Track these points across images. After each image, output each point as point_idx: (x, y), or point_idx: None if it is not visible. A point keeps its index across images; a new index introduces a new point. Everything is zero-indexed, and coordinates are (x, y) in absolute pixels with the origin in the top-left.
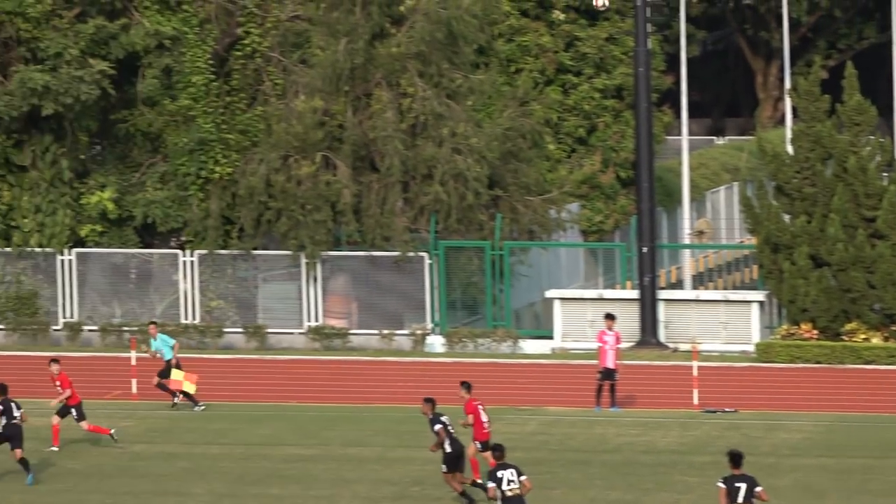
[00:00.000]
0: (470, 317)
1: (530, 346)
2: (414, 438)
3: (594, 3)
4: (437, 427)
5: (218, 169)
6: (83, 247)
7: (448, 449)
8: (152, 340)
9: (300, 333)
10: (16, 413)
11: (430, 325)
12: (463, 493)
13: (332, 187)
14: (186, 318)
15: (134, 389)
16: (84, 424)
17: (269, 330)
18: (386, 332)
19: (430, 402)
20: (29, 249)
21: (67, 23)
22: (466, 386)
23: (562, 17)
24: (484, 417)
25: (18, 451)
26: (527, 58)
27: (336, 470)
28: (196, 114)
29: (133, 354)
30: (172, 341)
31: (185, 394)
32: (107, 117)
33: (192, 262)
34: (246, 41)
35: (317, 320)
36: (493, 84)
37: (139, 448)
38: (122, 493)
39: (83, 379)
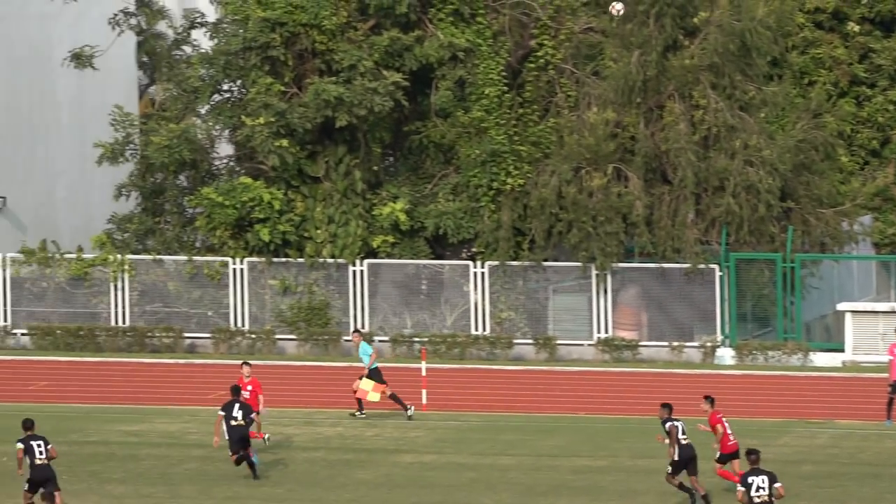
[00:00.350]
0: (760, 329)
1: (821, 358)
2: (703, 450)
3: (611, 9)
4: (668, 425)
5: (510, 180)
6: (375, 258)
7: (676, 456)
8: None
9: (590, 345)
10: (235, 413)
11: (720, 338)
12: (692, 491)
13: (623, 199)
14: (477, 330)
15: (424, 400)
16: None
17: (559, 341)
18: (676, 343)
19: (665, 407)
20: (321, 260)
21: (362, 35)
22: (710, 400)
23: (857, 28)
24: (728, 430)
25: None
26: (820, 70)
27: (625, 481)
28: (488, 125)
29: (423, 365)
30: (370, 350)
31: (359, 400)
32: (400, 129)
33: (482, 273)
34: (539, 53)
35: (607, 332)
36: (786, 96)
37: (428, 458)
38: None
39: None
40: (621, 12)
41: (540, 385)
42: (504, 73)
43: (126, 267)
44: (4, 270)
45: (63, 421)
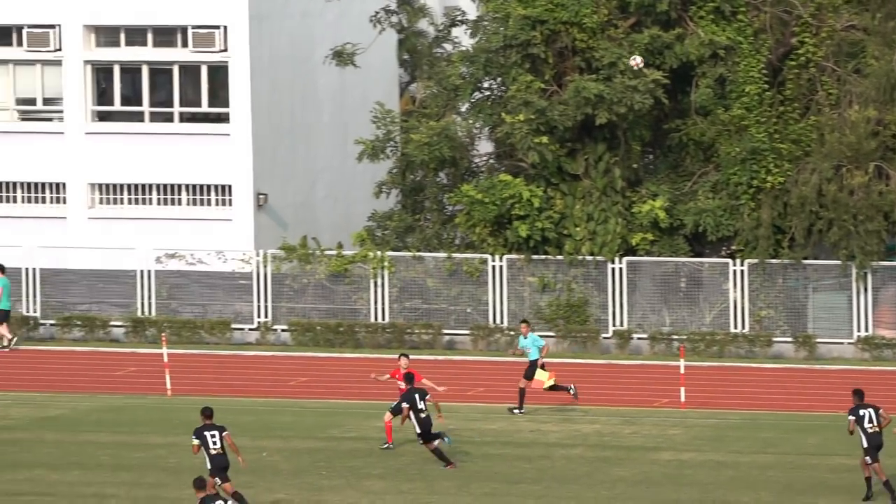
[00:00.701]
0: None
1: None
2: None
3: (630, 62)
4: (851, 417)
5: (770, 178)
6: (634, 255)
7: (864, 444)
8: (521, 338)
9: (849, 343)
10: (420, 405)
11: None
12: (886, 483)
13: (884, 197)
14: (735, 328)
15: (682, 398)
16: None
17: (819, 340)
18: None
19: (856, 393)
20: (580, 258)
21: (622, 33)
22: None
23: None
24: None
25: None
26: None
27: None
28: (749, 123)
29: (682, 363)
30: (542, 342)
31: (554, 387)
32: (659, 126)
33: (742, 271)
34: (800, 51)
35: (867, 330)
36: None
37: (687, 456)
38: (668, 502)
39: (631, 387)
40: (641, 65)
41: (799, 383)
42: (765, 71)
43: (386, 264)
44: (265, 267)
45: (322, 416)
